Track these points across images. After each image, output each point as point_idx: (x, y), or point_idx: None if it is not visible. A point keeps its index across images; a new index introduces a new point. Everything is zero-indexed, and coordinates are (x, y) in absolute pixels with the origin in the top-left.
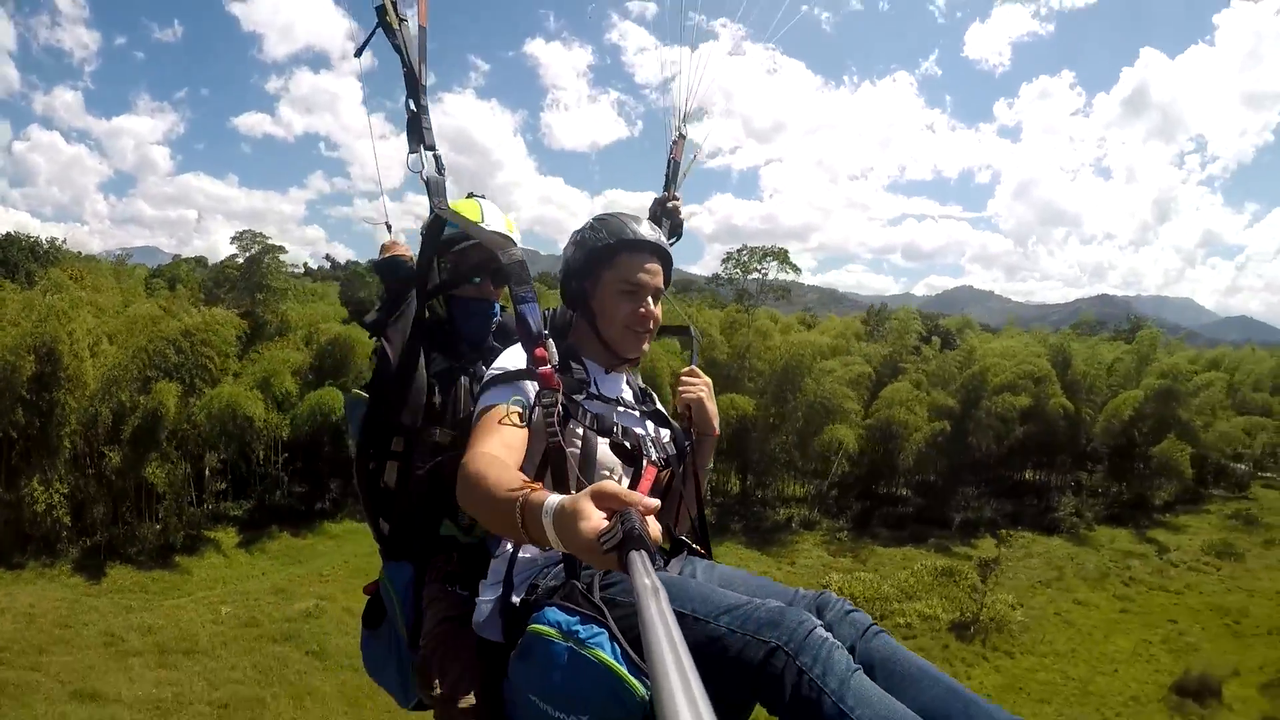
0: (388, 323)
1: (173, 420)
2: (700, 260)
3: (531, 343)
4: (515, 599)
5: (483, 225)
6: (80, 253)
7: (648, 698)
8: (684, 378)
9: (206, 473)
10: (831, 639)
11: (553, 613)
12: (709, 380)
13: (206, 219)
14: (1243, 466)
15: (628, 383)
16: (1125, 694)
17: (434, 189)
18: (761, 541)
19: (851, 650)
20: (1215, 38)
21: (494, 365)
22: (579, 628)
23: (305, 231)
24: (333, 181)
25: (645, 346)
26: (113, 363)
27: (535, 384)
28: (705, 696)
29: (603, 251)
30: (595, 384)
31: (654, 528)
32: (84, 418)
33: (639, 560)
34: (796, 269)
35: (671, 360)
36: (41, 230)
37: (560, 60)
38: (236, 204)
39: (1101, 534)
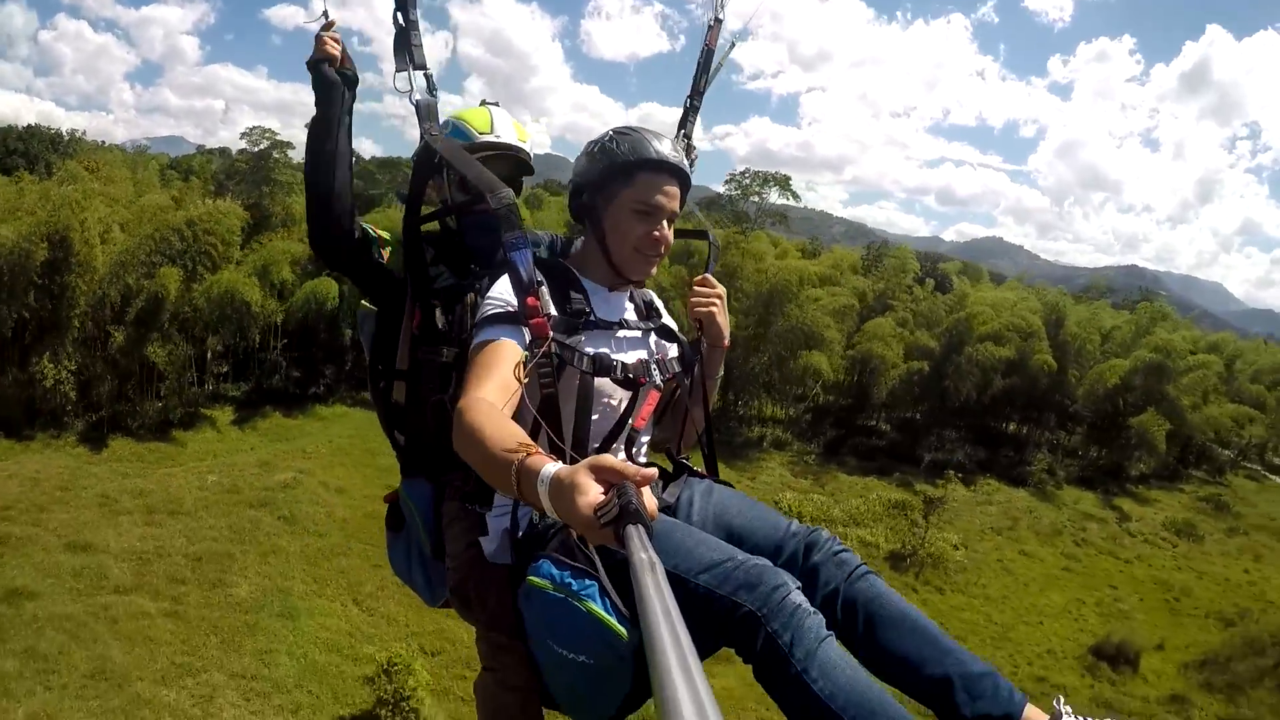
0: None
1: (174, 303)
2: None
3: (523, 292)
4: (520, 531)
5: (492, 136)
6: (103, 142)
7: (637, 642)
8: (697, 287)
9: (209, 356)
10: (804, 605)
11: (547, 566)
12: (723, 290)
13: (233, 110)
14: (1226, 453)
15: (631, 298)
16: (1043, 646)
17: (424, 113)
18: (729, 455)
19: (835, 592)
20: None
21: (488, 297)
22: (571, 580)
23: None
24: (363, 76)
25: (652, 270)
26: (121, 249)
27: (529, 331)
28: (702, 673)
29: (621, 168)
30: (594, 309)
31: (650, 502)
32: (92, 300)
33: (635, 535)
34: (797, 196)
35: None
36: (66, 120)
37: None
38: (264, 96)
39: (1068, 493)
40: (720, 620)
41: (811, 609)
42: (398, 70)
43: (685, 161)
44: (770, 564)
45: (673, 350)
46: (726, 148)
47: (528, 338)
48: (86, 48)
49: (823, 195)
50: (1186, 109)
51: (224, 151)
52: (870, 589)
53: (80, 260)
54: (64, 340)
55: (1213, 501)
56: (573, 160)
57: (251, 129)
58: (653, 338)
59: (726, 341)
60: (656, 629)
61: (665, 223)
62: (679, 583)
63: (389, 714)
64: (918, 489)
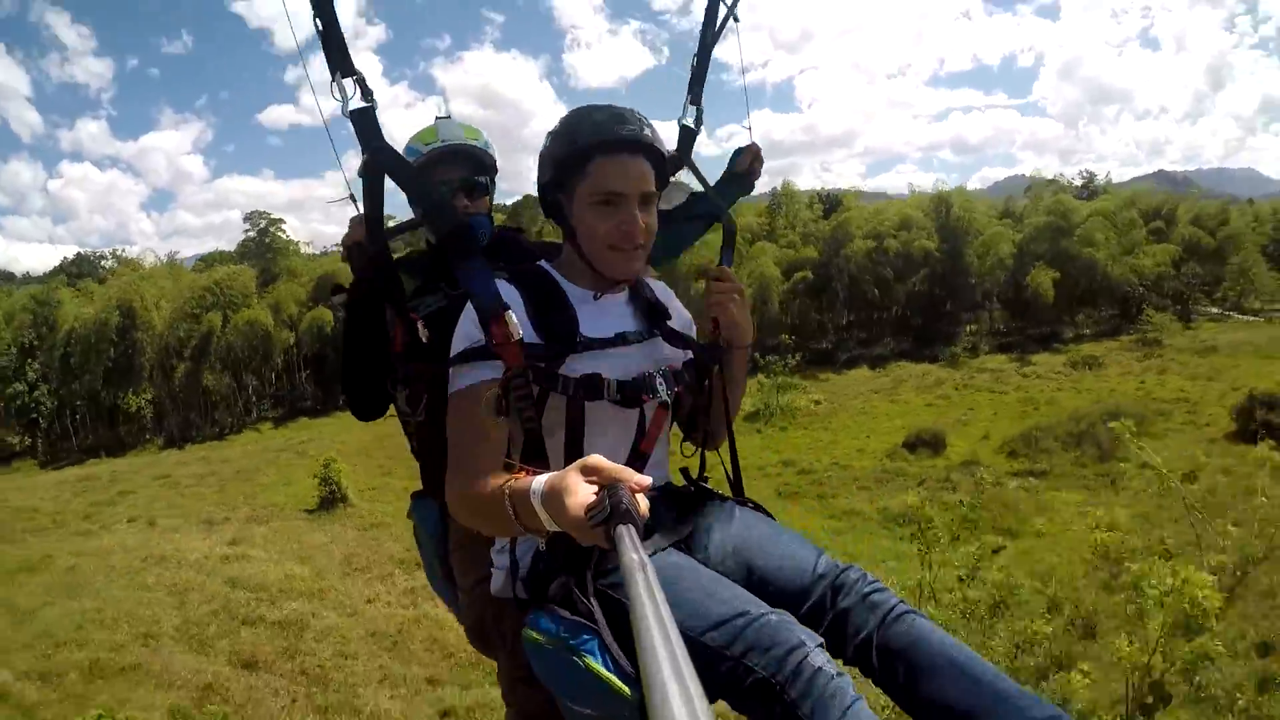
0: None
1: (218, 339)
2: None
3: (486, 319)
4: (523, 571)
5: (438, 141)
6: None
7: (638, 701)
8: (712, 283)
9: (249, 388)
10: (826, 668)
11: (544, 620)
12: (741, 286)
13: (249, 217)
14: (1166, 301)
15: (633, 298)
16: (857, 446)
17: (363, 124)
18: None
19: (869, 640)
20: None
21: (459, 331)
22: (569, 636)
23: (347, 211)
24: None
25: (636, 265)
26: (171, 309)
27: (502, 364)
28: (694, 675)
29: (572, 159)
30: (583, 325)
31: (642, 503)
32: (158, 347)
33: (626, 535)
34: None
35: None
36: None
37: None
38: (275, 197)
39: (983, 360)
40: (733, 687)
41: (835, 671)
42: (331, 79)
43: (645, 131)
44: (789, 618)
45: (685, 356)
46: (734, 147)
47: (503, 370)
48: (95, 187)
49: (839, 174)
50: None
51: None
52: (909, 632)
53: (143, 320)
54: (139, 379)
55: (1148, 341)
56: None
57: (251, 213)
58: (658, 345)
59: (749, 341)
60: (646, 632)
61: (638, 208)
62: (688, 641)
63: None
64: (821, 376)
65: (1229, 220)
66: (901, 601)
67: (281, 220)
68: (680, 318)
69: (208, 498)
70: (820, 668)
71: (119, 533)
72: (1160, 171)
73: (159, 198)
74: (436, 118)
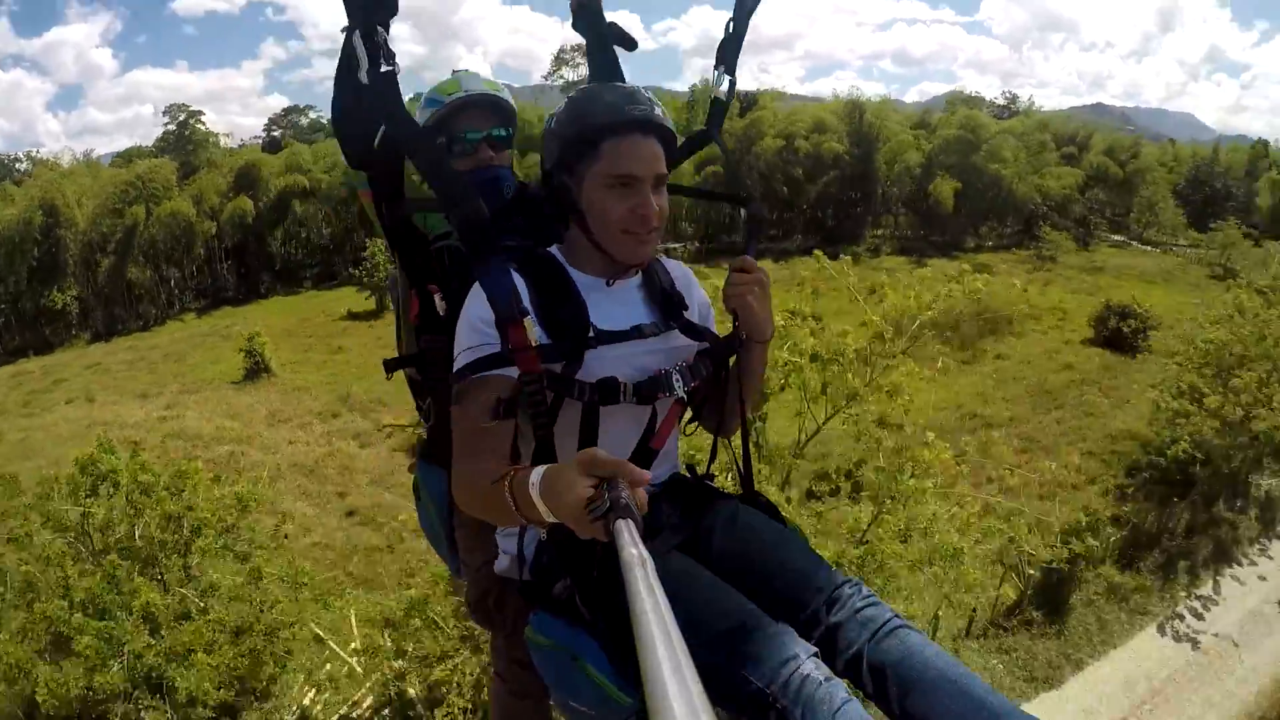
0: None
1: (141, 231)
2: (680, 76)
3: (503, 320)
4: (528, 561)
5: (461, 93)
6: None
7: (634, 707)
8: (734, 274)
9: (172, 280)
10: (814, 675)
11: (548, 625)
12: (765, 276)
13: (163, 111)
14: (1069, 223)
15: (647, 282)
16: None
17: (383, 90)
18: None
19: (859, 656)
20: None
21: (469, 319)
22: (568, 638)
23: (267, 102)
24: (286, 46)
25: (648, 250)
26: (94, 205)
27: (516, 368)
28: (694, 673)
29: (582, 141)
30: (596, 319)
31: (641, 497)
32: (81, 244)
33: (625, 530)
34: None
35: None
36: None
37: None
38: (191, 89)
39: (882, 260)
40: (729, 696)
41: (824, 677)
42: (348, 37)
43: (656, 110)
44: (785, 629)
45: (701, 347)
46: (672, 42)
47: (516, 374)
48: None
49: (777, 76)
50: None
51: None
52: (899, 647)
53: (66, 218)
54: (64, 276)
55: (1039, 255)
56: (516, 85)
57: (171, 105)
58: (675, 337)
59: (769, 335)
60: (646, 627)
61: (650, 190)
62: None
63: None
64: (724, 265)
65: (1140, 155)
66: (896, 616)
67: (201, 112)
68: (698, 307)
69: (140, 379)
70: (808, 675)
71: (60, 411)
72: (1099, 104)
73: (66, 95)
74: (454, 71)
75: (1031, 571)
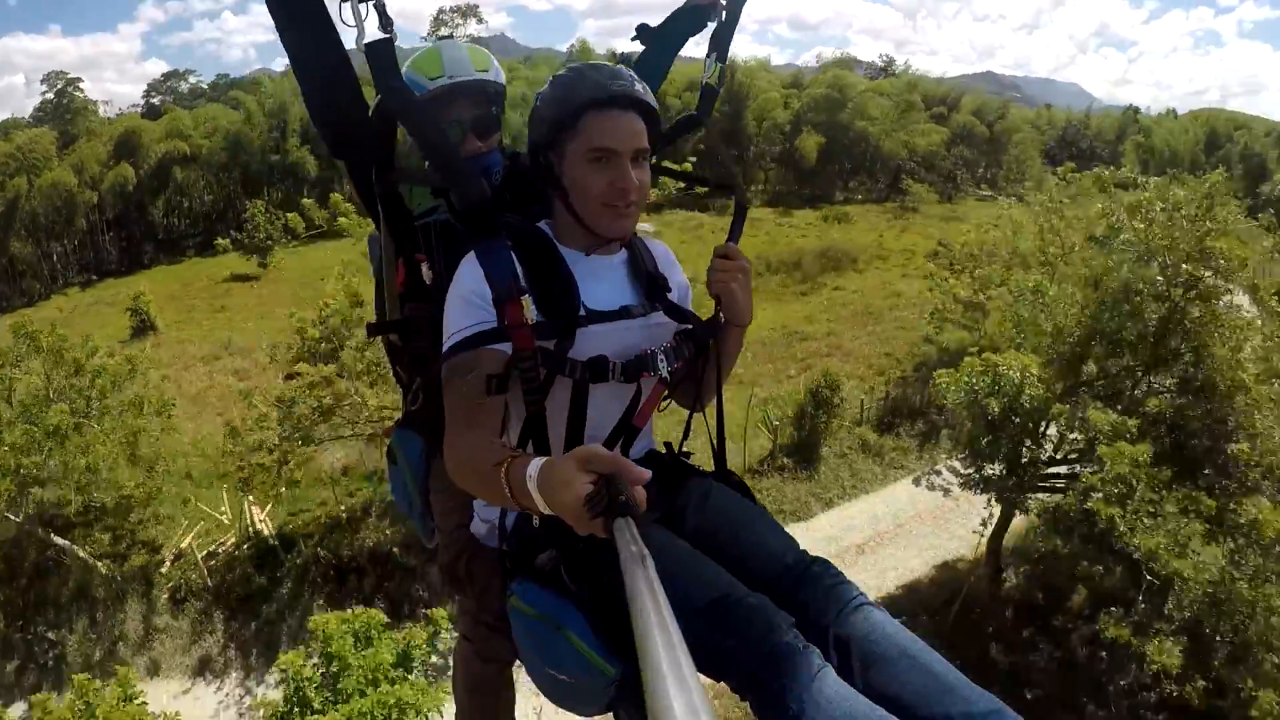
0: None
1: (23, 203)
2: (573, 38)
3: (501, 298)
4: (510, 528)
5: (445, 78)
6: None
7: (616, 676)
8: (718, 260)
9: (54, 255)
10: (792, 642)
11: (532, 590)
12: (747, 264)
13: (36, 80)
14: (937, 178)
15: (632, 259)
16: None
17: (379, 59)
18: None
19: (825, 631)
20: None
21: (462, 290)
22: (553, 608)
23: (145, 68)
24: (165, 7)
25: (628, 223)
26: None
27: (509, 344)
28: (694, 671)
29: (564, 117)
30: (584, 295)
31: (639, 494)
32: None
33: (625, 528)
34: (483, 20)
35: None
36: None
37: None
38: (66, 56)
39: (751, 211)
40: (714, 665)
41: (802, 645)
42: (342, 1)
43: (638, 88)
44: (763, 600)
45: (683, 329)
46: (565, 4)
47: (510, 350)
48: None
49: None
50: None
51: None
52: (863, 623)
53: None
54: None
55: (902, 206)
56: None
57: (49, 74)
58: (659, 318)
59: (748, 321)
60: (646, 625)
61: (630, 165)
62: None
63: None
64: None
65: (1007, 116)
66: (862, 594)
67: (79, 79)
68: (679, 288)
69: None
70: (787, 642)
71: None
72: (989, 72)
73: None
74: (438, 37)
75: (777, 423)
